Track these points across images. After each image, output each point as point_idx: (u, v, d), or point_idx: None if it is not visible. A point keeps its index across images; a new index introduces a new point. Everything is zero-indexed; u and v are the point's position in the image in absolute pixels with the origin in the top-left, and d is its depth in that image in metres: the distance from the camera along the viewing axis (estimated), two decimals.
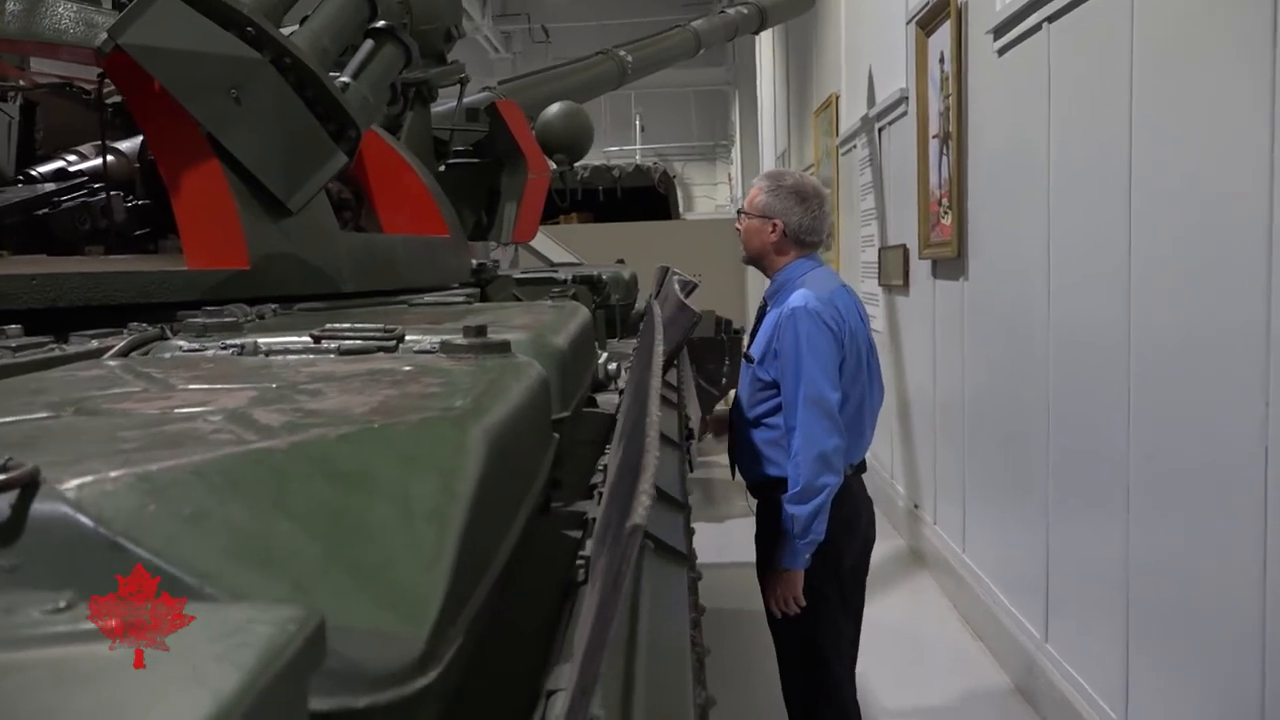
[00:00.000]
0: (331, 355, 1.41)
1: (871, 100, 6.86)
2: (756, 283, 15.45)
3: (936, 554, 5.41)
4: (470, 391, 1.10)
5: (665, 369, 1.64)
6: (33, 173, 3.09)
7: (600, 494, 1.52)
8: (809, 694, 3.10)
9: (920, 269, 5.62)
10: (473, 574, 0.82)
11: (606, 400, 2.32)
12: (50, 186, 2.98)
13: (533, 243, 9.95)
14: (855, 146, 7.51)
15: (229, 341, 1.54)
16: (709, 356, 7.65)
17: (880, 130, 6.60)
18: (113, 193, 2.88)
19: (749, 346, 3.18)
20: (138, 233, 2.89)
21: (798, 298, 2.97)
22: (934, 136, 5.17)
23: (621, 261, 4.86)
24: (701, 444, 7.30)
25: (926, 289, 5.51)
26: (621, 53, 5.57)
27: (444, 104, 3.90)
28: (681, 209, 13.92)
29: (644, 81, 20.07)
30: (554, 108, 3.71)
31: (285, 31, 2.34)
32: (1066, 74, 3.54)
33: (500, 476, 0.99)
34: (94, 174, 3.00)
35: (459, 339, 1.38)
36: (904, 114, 5.88)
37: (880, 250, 6.60)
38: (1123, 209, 3.07)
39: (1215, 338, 2.59)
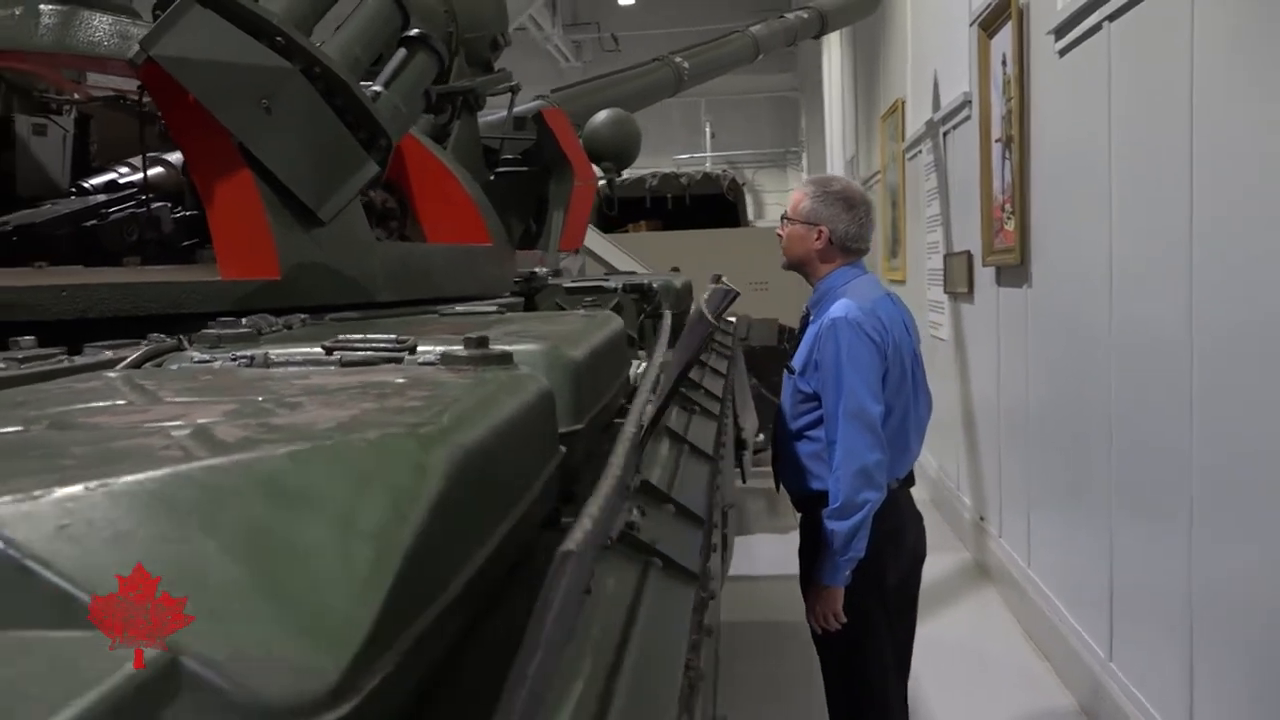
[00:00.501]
0: (333, 367, 1.39)
1: (936, 104, 6.76)
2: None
3: (1001, 568, 5.29)
4: (453, 405, 1.07)
5: (679, 379, 1.59)
6: (85, 185, 3.13)
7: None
8: (854, 712, 3.03)
9: (984, 276, 5.51)
10: (418, 599, 0.79)
11: None
12: (101, 198, 3.02)
13: (600, 251, 9.98)
14: (920, 151, 7.40)
15: (239, 353, 1.52)
16: (772, 366, 7.58)
17: (945, 135, 6.49)
18: (160, 204, 2.91)
19: (791, 357, 3.11)
20: (185, 243, 2.91)
21: (839, 308, 2.90)
22: (996, 140, 5.06)
23: (676, 270, 4.81)
24: (763, 454, 7.21)
25: (990, 296, 5.39)
26: (678, 59, 5.53)
27: (497, 113, 3.90)
28: (752, 216, 13.85)
29: (714, 88, 20.01)
30: (601, 115, 3.68)
31: (316, 41, 2.34)
32: (1127, 74, 3.43)
33: (470, 494, 0.96)
34: (145, 185, 3.04)
35: (459, 350, 1.35)
36: (967, 118, 5.77)
37: (945, 257, 6.48)
38: (1184, 212, 2.96)
39: None
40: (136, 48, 2.10)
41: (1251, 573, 2.67)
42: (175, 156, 3.01)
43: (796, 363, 3.04)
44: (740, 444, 4.00)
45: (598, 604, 1.13)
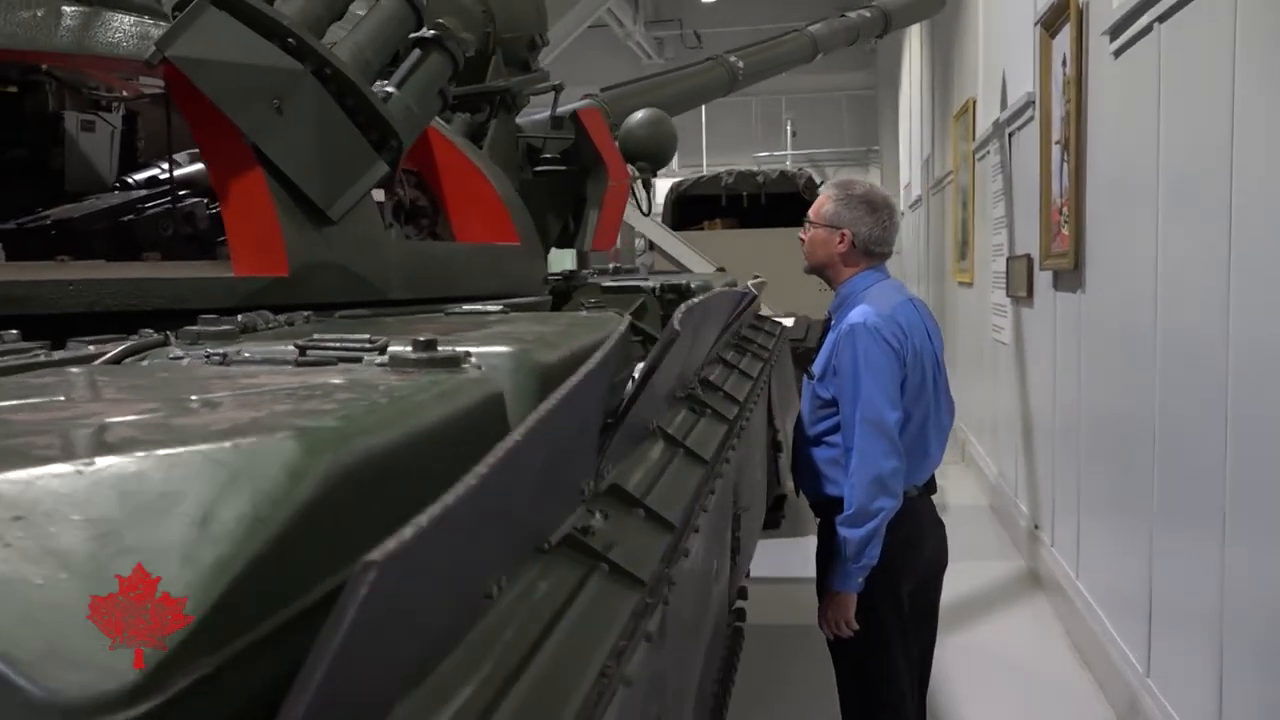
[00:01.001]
0: (290, 366, 1.41)
1: (1004, 104, 6.64)
2: None
3: (1052, 578, 5.19)
4: (368, 409, 1.08)
5: (639, 388, 1.59)
6: (128, 180, 3.21)
7: None
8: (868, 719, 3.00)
9: (1042, 280, 5.41)
10: (265, 602, 0.80)
11: None
12: (141, 194, 3.10)
13: (672, 250, 9.97)
14: (988, 152, 7.28)
15: (213, 350, 1.56)
16: None
17: (1010, 136, 6.38)
18: (195, 200, 2.98)
19: (812, 362, 3.09)
20: (220, 239, 2.98)
21: (857, 314, 2.87)
22: (1056, 143, 4.97)
23: (722, 269, 4.80)
24: None
25: (1048, 301, 5.30)
26: (732, 58, 5.50)
27: (543, 111, 3.92)
28: None
29: (795, 85, 19.88)
30: (638, 115, 3.68)
31: (330, 42, 2.37)
32: (1175, 77, 3.35)
33: (365, 499, 0.97)
34: (183, 182, 3.11)
35: (408, 353, 1.37)
36: (1031, 119, 5.67)
37: (1008, 260, 6.38)
38: (1224, 221, 2.88)
39: None
40: (153, 49, 2.16)
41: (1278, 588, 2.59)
42: None
43: (816, 368, 3.02)
44: (777, 446, 3.98)
45: (518, 608, 1.13)
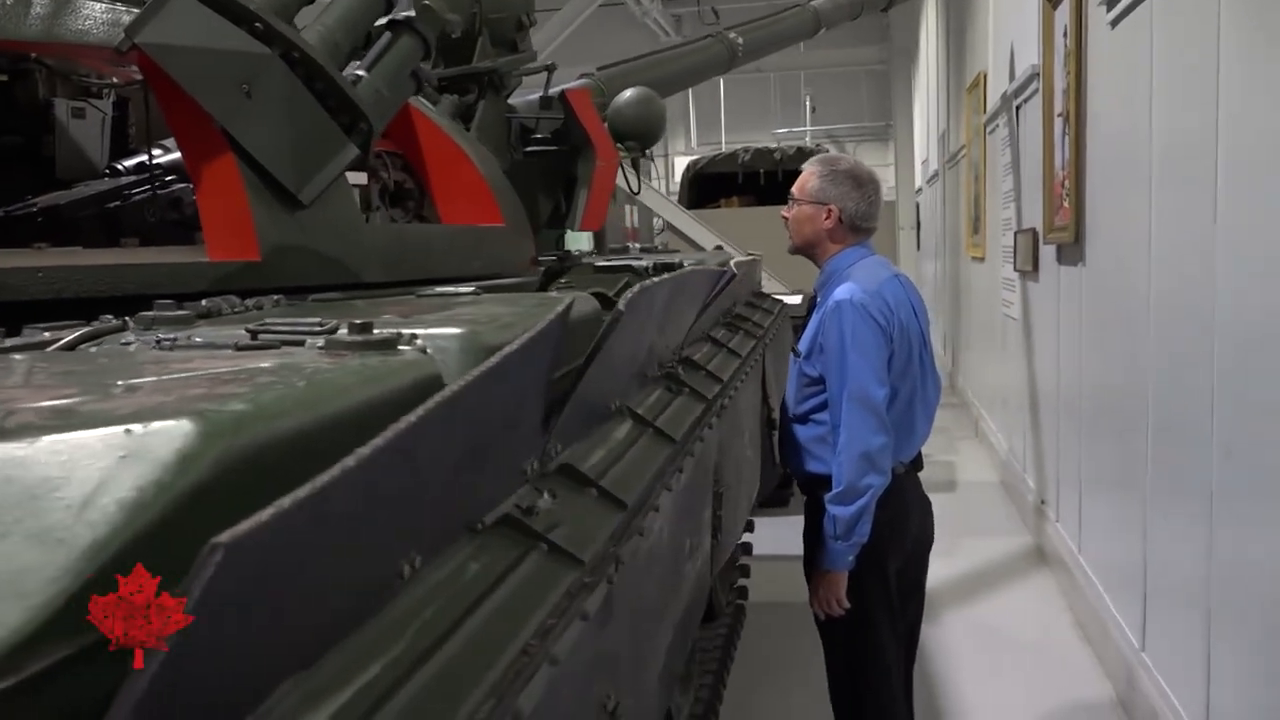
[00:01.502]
0: (231, 350, 1.42)
1: (1012, 77, 6.59)
2: (909, 265, 15.03)
3: (1056, 553, 5.18)
4: (284, 394, 1.09)
5: (585, 365, 1.60)
6: (118, 166, 3.23)
7: None
8: (855, 698, 3.00)
9: (1047, 254, 5.38)
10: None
11: None
12: (129, 180, 3.12)
13: (686, 229, 9.94)
14: (998, 126, 7.23)
15: (163, 336, 1.57)
16: None
17: (1017, 109, 6.33)
18: (182, 186, 2.99)
19: (797, 339, 3.08)
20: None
21: (843, 290, 2.85)
22: (1058, 115, 4.93)
23: (719, 247, 4.79)
24: None
25: (1052, 275, 5.27)
26: (732, 35, 5.47)
27: (537, 92, 3.92)
28: None
29: (813, 61, 19.69)
30: (626, 94, 3.67)
31: (301, 26, 2.38)
32: (1166, 48, 3.32)
33: (266, 484, 0.97)
34: (171, 167, 3.13)
35: (345, 335, 1.38)
36: (1036, 91, 5.62)
37: (1015, 234, 6.34)
38: (1209, 194, 2.86)
39: None
40: (122, 35, 2.17)
41: (1272, 566, 2.57)
42: None
43: (802, 345, 3.01)
44: (773, 424, 3.98)
45: (439, 589, 1.14)
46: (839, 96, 23.03)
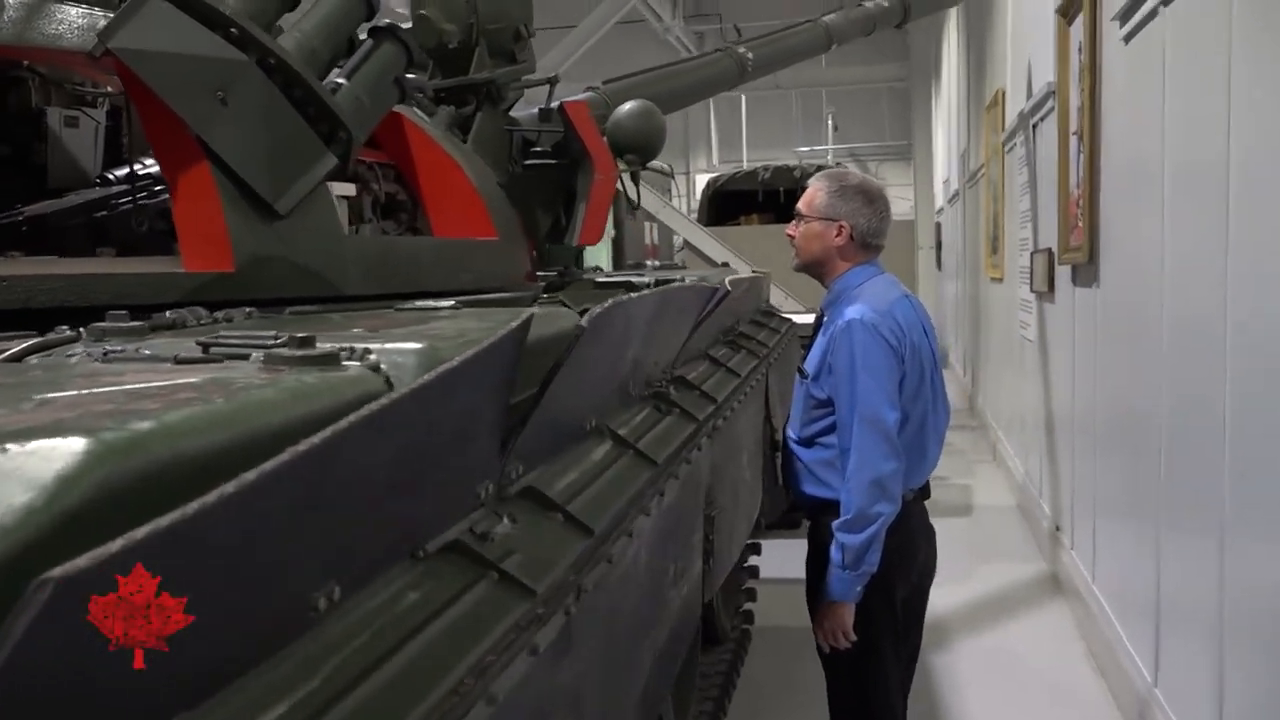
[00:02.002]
0: (169, 364, 1.36)
1: (1029, 95, 6.50)
2: (929, 285, 14.91)
3: (1070, 581, 5.06)
4: (198, 413, 1.02)
5: (542, 386, 1.52)
6: (109, 175, 3.19)
7: None
8: None
9: (1062, 275, 5.28)
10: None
11: None
12: (118, 189, 3.07)
13: (703, 246, 9.87)
14: (1016, 144, 7.14)
15: (111, 348, 1.51)
16: None
17: (1034, 127, 6.24)
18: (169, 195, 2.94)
19: (803, 360, 2.99)
20: None
21: (854, 310, 2.75)
22: (1073, 133, 4.84)
23: (726, 265, 4.72)
24: None
25: (1067, 296, 5.16)
26: (741, 50, 5.41)
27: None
28: None
29: (835, 79, 19.60)
30: (626, 106, 3.60)
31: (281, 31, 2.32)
32: (1180, 64, 3.23)
33: (166, 503, 0.90)
34: (160, 177, 3.08)
35: (284, 350, 1.31)
36: (1052, 109, 5.53)
37: (1031, 254, 6.24)
38: (1221, 213, 2.77)
39: None
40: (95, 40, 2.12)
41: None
42: None
43: (809, 366, 2.91)
44: (775, 445, 3.89)
45: (364, 621, 1.07)
46: (861, 114, 22.94)
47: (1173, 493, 3.30)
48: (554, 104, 3.69)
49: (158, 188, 3.02)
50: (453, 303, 2.23)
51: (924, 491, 2.95)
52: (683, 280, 3.62)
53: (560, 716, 1.43)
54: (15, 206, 3.00)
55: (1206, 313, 2.90)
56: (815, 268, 2.95)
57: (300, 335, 1.32)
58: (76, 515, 0.81)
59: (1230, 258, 2.73)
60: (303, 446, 0.88)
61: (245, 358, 1.37)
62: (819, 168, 13.17)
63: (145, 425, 0.94)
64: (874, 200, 2.90)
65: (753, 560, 4.95)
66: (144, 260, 2.38)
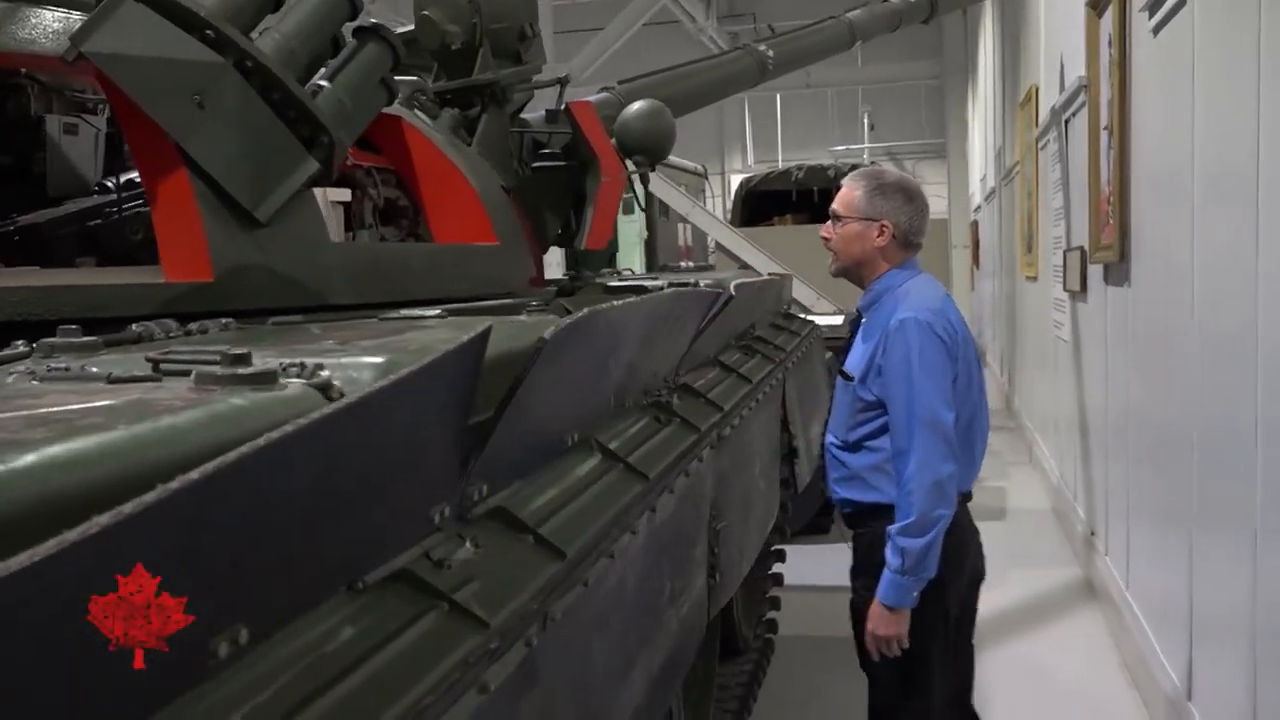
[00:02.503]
0: (102, 383, 1.28)
1: (1062, 90, 6.35)
2: (962, 284, 14.68)
3: (1104, 588, 4.92)
4: (85, 444, 0.94)
5: (506, 398, 1.43)
6: (106, 183, 3.13)
7: None
8: None
9: (1095, 274, 5.14)
10: None
11: None
12: (110, 199, 3.02)
13: (734, 247, 9.76)
14: (1049, 141, 6.98)
15: (55, 365, 1.44)
16: None
17: (1066, 123, 6.09)
18: None
19: (844, 362, 2.90)
20: None
21: (907, 307, 2.68)
22: (1104, 128, 4.70)
23: (746, 267, 4.62)
24: None
25: (1100, 295, 5.02)
26: (762, 48, 5.30)
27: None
28: None
29: (871, 76, 19.42)
30: (634, 107, 3.51)
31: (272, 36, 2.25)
32: (1210, 55, 3.10)
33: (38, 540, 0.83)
34: (116, 186, 3.02)
35: (216, 369, 1.23)
36: (1084, 104, 5.39)
37: (1064, 253, 6.09)
38: (1251, 212, 2.64)
39: None
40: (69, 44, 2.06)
41: None
42: None
43: (854, 368, 2.81)
44: (793, 452, 3.79)
45: (288, 664, 0.99)
46: (897, 113, 22.69)
47: (1205, 500, 3.17)
48: (562, 105, 3.61)
49: (121, 197, 2.97)
50: (438, 311, 2.15)
51: (968, 494, 2.86)
52: (695, 284, 3.52)
53: None
54: (11, 216, 2.95)
55: (1238, 315, 2.78)
56: (855, 270, 2.87)
57: (236, 352, 1.24)
58: None
59: (1261, 259, 2.60)
60: (195, 474, 0.81)
61: (186, 374, 1.30)
62: (853, 167, 12.98)
63: (29, 457, 0.86)
64: (913, 197, 2.84)
65: (777, 567, 4.84)
66: (123, 271, 2.32)
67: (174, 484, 0.79)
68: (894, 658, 2.73)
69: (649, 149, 3.45)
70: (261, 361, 1.31)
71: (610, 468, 1.91)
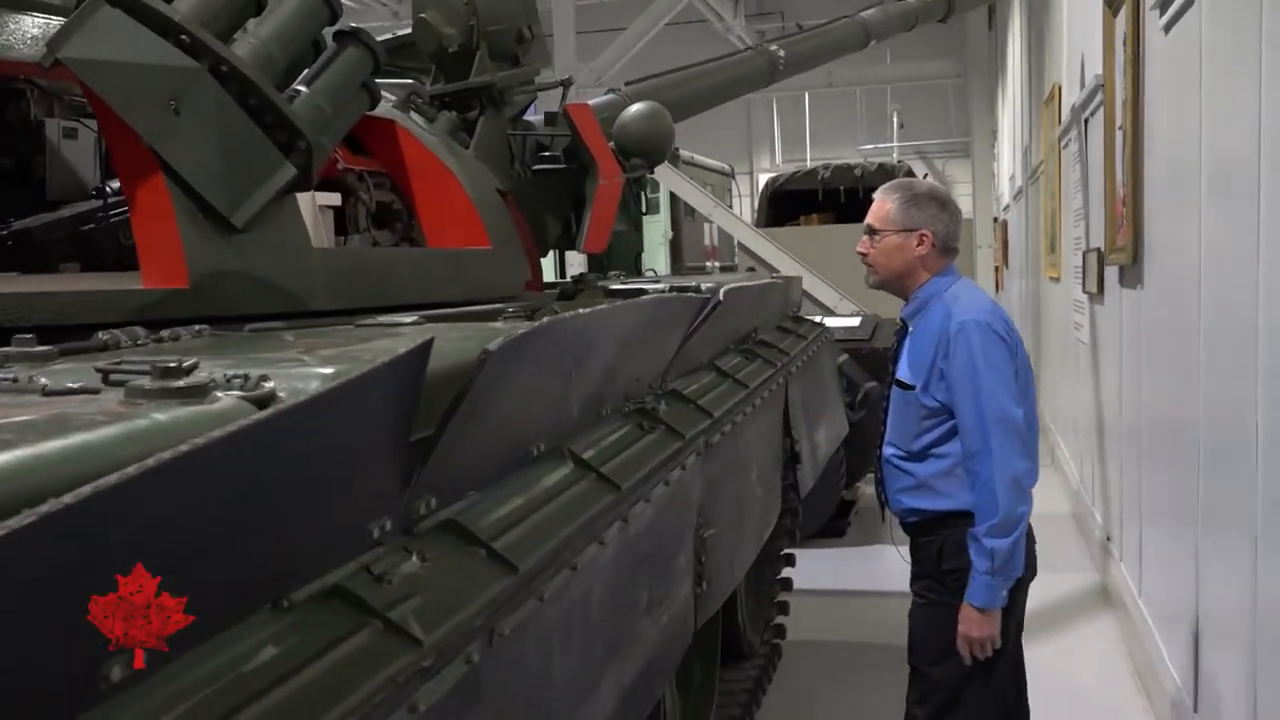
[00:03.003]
0: (37, 395, 1.27)
1: (1082, 88, 6.28)
2: (987, 286, 14.55)
3: (1119, 594, 4.85)
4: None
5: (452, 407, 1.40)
6: (105, 188, 3.14)
7: None
8: None
9: (1111, 276, 5.07)
10: None
11: None
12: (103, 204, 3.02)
13: (756, 248, 9.71)
14: (1070, 140, 6.90)
15: (2, 375, 1.43)
16: None
17: (1086, 122, 6.02)
18: None
19: (896, 371, 2.89)
20: None
21: (961, 310, 2.71)
22: (1119, 128, 4.63)
23: (752, 270, 4.58)
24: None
25: (1115, 298, 4.96)
26: (773, 48, 5.26)
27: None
28: None
29: (901, 75, 19.28)
30: (633, 109, 3.48)
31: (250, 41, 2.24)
32: (1217, 54, 3.04)
33: None
34: (101, 191, 3.03)
35: (145, 382, 1.21)
36: (1101, 103, 5.31)
37: (1084, 254, 6.02)
38: (1252, 213, 2.58)
39: None
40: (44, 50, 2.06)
41: None
42: None
43: (909, 376, 2.81)
44: (794, 457, 3.76)
45: (195, 689, 0.96)
46: (926, 111, 22.50)
47: (1209, 505, 3.12)
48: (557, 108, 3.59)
49: (108, 201, 2.97)
50: (415, 318, 2.14)
51: None
52: (697, 286, 3.49)
53: None
54: (9, 220, 2.97)
55: (1238, 318, 2.73)
56: (896, 281, 2.89)
57: (167, 365, 1.22)
58: None
59: (1261, 262, 2.55)
60: (87, 489, 0.80)
61: (122, 385, 1.28)
62: (880, 165, 12.95)
63: None
64: (946, 204, 2.89)
65: (786, 571, 4.81)
66: (99, 277, 2.32)
67: (69, 498, 0.78)
68: (959, 668, 2.74)
69: (647, 151, 3.43)
70: (207, 372, 1.30)
71: (581, 478, 1.89)
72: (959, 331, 2.69)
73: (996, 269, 14.94)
